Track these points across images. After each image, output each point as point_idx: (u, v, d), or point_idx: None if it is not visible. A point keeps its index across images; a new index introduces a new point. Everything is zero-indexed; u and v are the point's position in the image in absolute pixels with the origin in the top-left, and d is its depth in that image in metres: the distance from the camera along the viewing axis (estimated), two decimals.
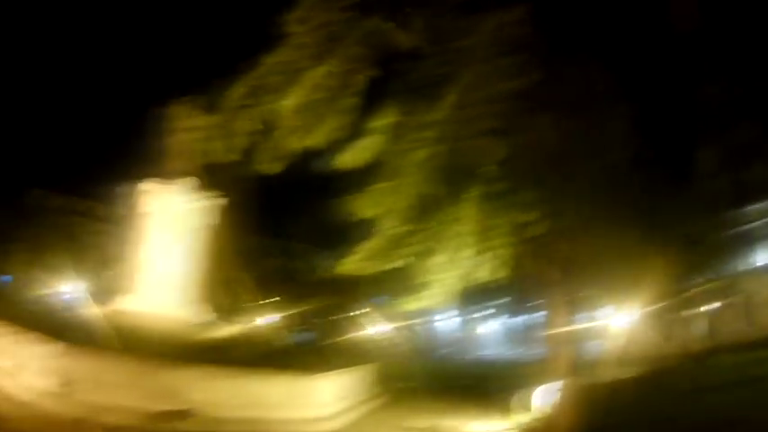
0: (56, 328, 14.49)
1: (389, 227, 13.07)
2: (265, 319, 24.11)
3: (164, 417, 7.55)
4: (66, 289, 21.02)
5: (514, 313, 52.36)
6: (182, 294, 17.72)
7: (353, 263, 13.70)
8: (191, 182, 18.50)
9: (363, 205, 13.28)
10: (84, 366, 12.72)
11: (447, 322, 58.45)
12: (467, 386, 24.14)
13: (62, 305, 18.85)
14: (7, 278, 58.79)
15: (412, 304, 14.26)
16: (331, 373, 15.34)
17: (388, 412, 17.21)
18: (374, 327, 33.08)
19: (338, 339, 27.44)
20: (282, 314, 26.84)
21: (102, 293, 20.31)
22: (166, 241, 17.81)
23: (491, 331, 57.25)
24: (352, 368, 17.23)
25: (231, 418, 12.54)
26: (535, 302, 37.62)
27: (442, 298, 13.56)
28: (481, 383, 24.33)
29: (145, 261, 17.69)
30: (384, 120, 13.37)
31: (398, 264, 13.47)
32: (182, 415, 7.62)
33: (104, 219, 52.98)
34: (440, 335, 58.07)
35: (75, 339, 13.51)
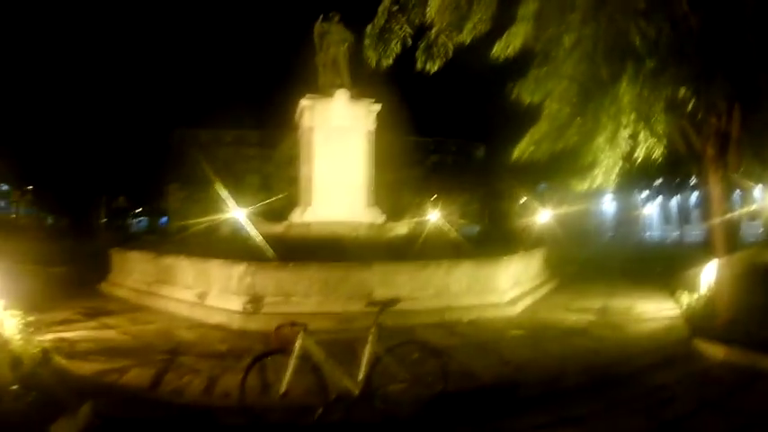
0: (235, 251, 15.56)
1: (552, 110, 13.33)
2: (433, 215, 24.65)
3: (374, 306, 8.19)
4: (233, 215, 22.01)
5: (673, 194, 51.16)
6: (353, 200, 18.63)
7: (522, 148, 14.07)
8: (348, 92, 19.16)
9: (524, 91, 13.52)
10: (269, 281, 13.60)
11: (610, 205, 57.94)
12: (631, 268, 24.18)
13: (235, 230, 19.94)
14: (164, 219, 62.69)
15: (578, 186, 14.56)
16: (505, 259, 15.79)
17: (560, 295, 17.63)
18: (537, 214, 33.12)
19: (504, 229, 27.65)
20: (448, 209, 27.32)
21: (271, 213, 21.48)
22: (332, 152, 18.60)
23: (652, 213, 56.25)
24: (524, 254, 17.65)
25: (420, 309, 13.42)
26: (693, 182, 36.60)
27: (605, 178, 13.64)
28: (645, 265, 24.24)
29: (314, 173, 18.54)
30: (527, 7, 13.38)
31: (564, 146, 13.85)
32: (390, 303, 8.28)
33: (256, 144, 55.25)
34: (603, 218, 57.66)
35: (257, 257, 14.47)
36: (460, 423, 7.94)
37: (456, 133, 55.09)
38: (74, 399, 7.62)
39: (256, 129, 54.18)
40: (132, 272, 18.10)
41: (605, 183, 13.90)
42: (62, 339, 11.00)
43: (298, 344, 7.62)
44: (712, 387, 9.00)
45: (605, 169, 13.38)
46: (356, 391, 7.81)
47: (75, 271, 21.79)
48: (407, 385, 8.01)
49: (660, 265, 21.24)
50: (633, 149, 13.22)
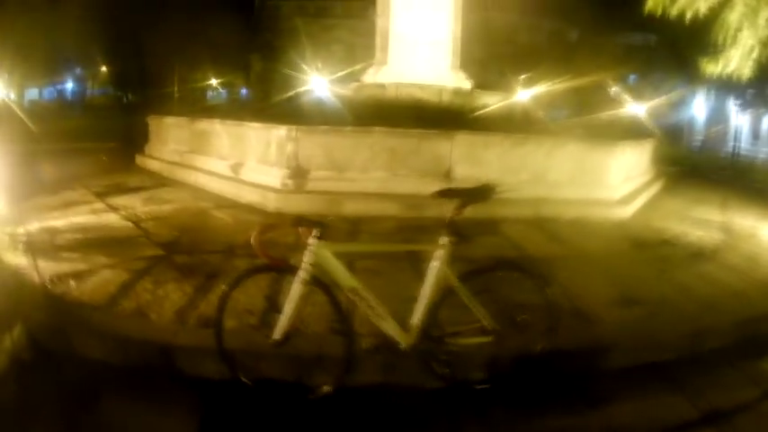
0: (287, 115, 13.13)
1: None
2: (521, 95, 22.03)
3: (447, 198, 4.82)
4: (312, 85, 20.18)
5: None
6: (437, 59, 15.40)
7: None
8: None
9: None
10: (318, 150, 10.77)
11: (700, 110, 54.97)
12: (730, 176, 22.87)
13: (310, 99, 17.62)
14: (244, 91, 62.37)
15: (709, 67, 13.58)
16: (620, 145, 12.30)
17: (670, 199, 14.58)
18: (629, 106, 30.97)
19: (596, 117, 25.32)
20: (537, 91, 24.67)
21: (350, 78, 19.15)
22: (413, 7, 15.35)
23: (741, 126, 52.84)
24: (636, 143, 14.28)
25: (510, 198, 10.40)
26: None
27: (742, 63, 12.78)
28: (743, 177, 22.08)
29: (391, 26, 15.45)
30: None
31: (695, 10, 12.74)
32: (476, 195, 4.82)
33: (340, 14, 53.68)
34: (693, 123, 55.02)
35: (308, 121, 11.46)
36: (566, 401, 4.97)
37: (550, 13, 52.51)
38: (8, 319, 5.57)
39: None
40: (167, 141, 15.82)
41: (740, 68, 13.08)
42: (46, 230, 8.84)
43: (306, 259, 4.55)
44: None
45: (743, 51, 12.61)
46: (403, 343, 4.73)
47: (127, 146, 19.84)
48: (492, 339, 4.87)
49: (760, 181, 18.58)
50: None
